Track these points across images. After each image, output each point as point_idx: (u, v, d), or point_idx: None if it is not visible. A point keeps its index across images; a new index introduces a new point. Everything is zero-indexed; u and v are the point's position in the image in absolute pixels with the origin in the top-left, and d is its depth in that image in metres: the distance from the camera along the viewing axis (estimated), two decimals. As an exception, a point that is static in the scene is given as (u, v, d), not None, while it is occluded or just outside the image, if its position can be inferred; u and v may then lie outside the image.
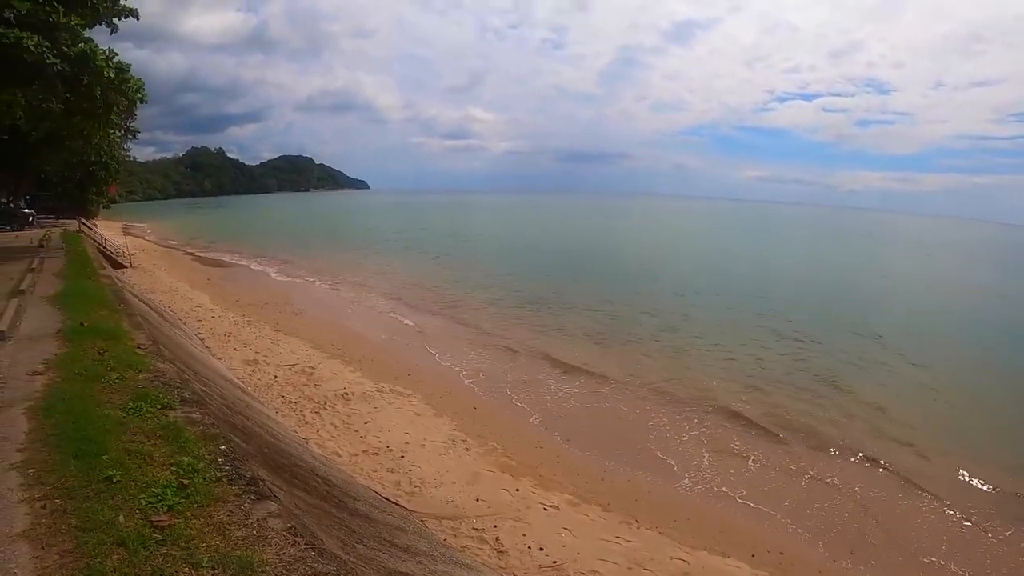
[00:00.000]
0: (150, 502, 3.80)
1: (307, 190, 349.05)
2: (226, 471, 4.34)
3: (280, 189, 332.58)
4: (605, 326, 21.95)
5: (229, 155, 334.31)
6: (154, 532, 3.49)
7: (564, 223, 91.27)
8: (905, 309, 29.36)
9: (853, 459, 11.75)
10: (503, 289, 29.51)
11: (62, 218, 44.35)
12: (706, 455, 11.59)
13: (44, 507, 3.84)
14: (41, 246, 23.50)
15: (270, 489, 4.31)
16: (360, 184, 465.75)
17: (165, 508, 3.75)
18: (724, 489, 10.37)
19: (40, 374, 6.70)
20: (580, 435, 12.26)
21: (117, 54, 20.34)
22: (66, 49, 17.71)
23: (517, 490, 9.51)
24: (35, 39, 16.44)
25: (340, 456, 10.04)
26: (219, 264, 38.37)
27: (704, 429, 12.83)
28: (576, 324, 22.08)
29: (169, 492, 3.92)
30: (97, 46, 19.50)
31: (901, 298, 33.23)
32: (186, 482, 4.09)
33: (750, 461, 11.46)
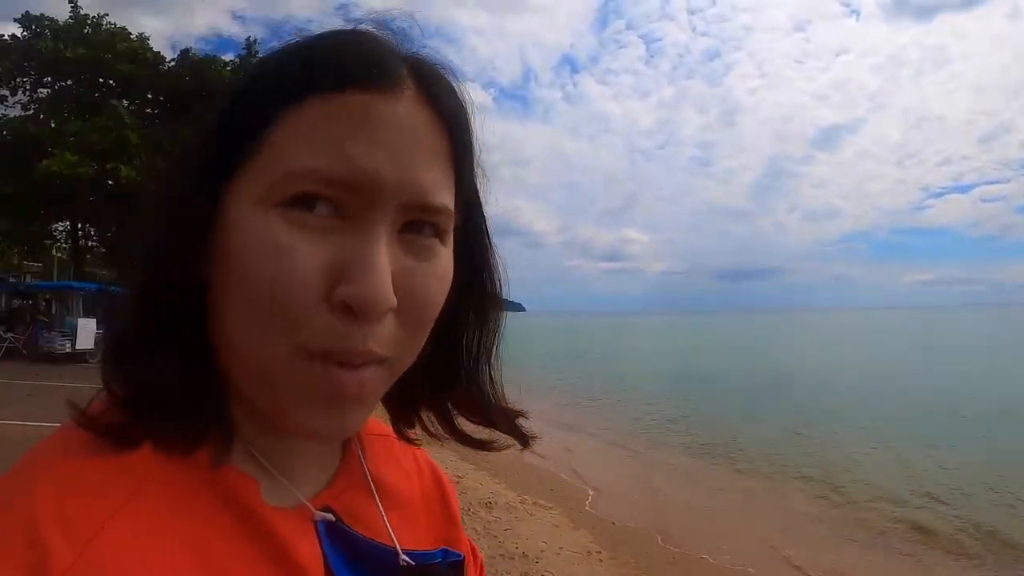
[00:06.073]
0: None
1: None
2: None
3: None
4: (780, 457, 20.43)
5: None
6: None
7: (725, 343, 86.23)
8: None
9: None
10: (658, 410, 28.66)
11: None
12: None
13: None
14: None
15: None
16: (517, 307, 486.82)
17: None
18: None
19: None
20: (722, 550, 11.77)
21: None
22: None
23: (648, 605, 9.38)
24: None
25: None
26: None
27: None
28: (744, 449, 20.98)
29: None
30: None
31: None
32: None
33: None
